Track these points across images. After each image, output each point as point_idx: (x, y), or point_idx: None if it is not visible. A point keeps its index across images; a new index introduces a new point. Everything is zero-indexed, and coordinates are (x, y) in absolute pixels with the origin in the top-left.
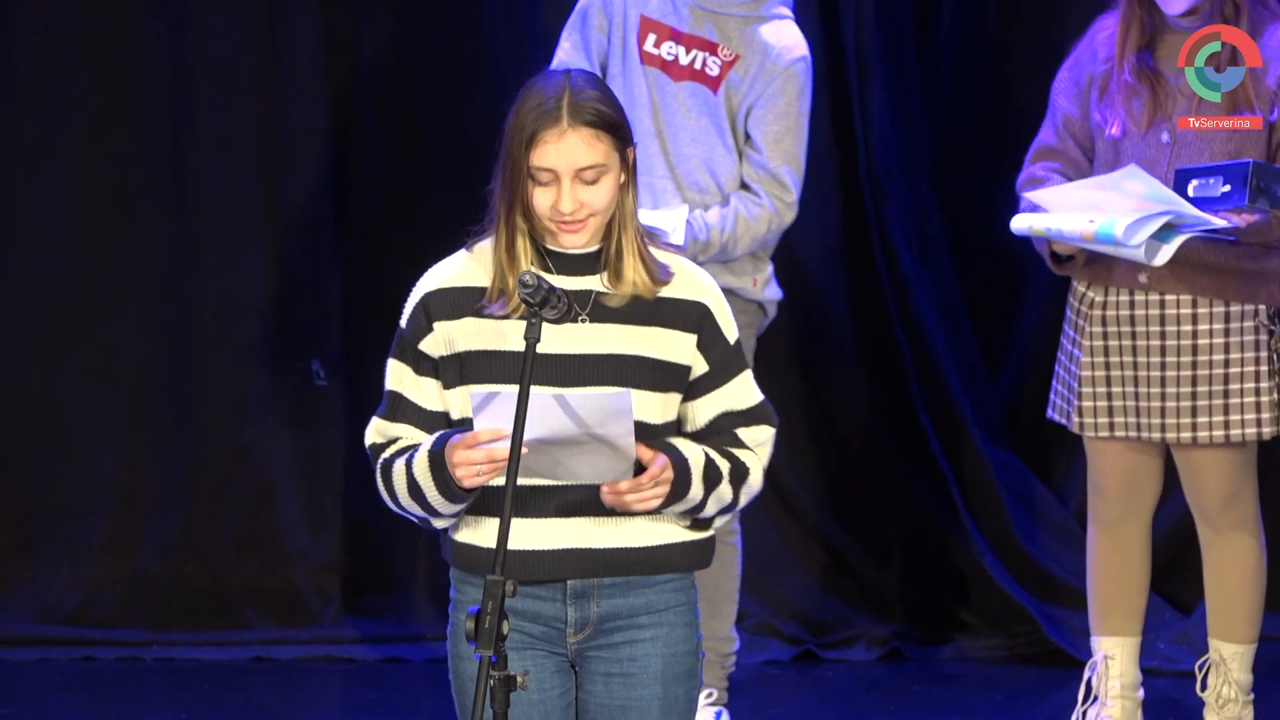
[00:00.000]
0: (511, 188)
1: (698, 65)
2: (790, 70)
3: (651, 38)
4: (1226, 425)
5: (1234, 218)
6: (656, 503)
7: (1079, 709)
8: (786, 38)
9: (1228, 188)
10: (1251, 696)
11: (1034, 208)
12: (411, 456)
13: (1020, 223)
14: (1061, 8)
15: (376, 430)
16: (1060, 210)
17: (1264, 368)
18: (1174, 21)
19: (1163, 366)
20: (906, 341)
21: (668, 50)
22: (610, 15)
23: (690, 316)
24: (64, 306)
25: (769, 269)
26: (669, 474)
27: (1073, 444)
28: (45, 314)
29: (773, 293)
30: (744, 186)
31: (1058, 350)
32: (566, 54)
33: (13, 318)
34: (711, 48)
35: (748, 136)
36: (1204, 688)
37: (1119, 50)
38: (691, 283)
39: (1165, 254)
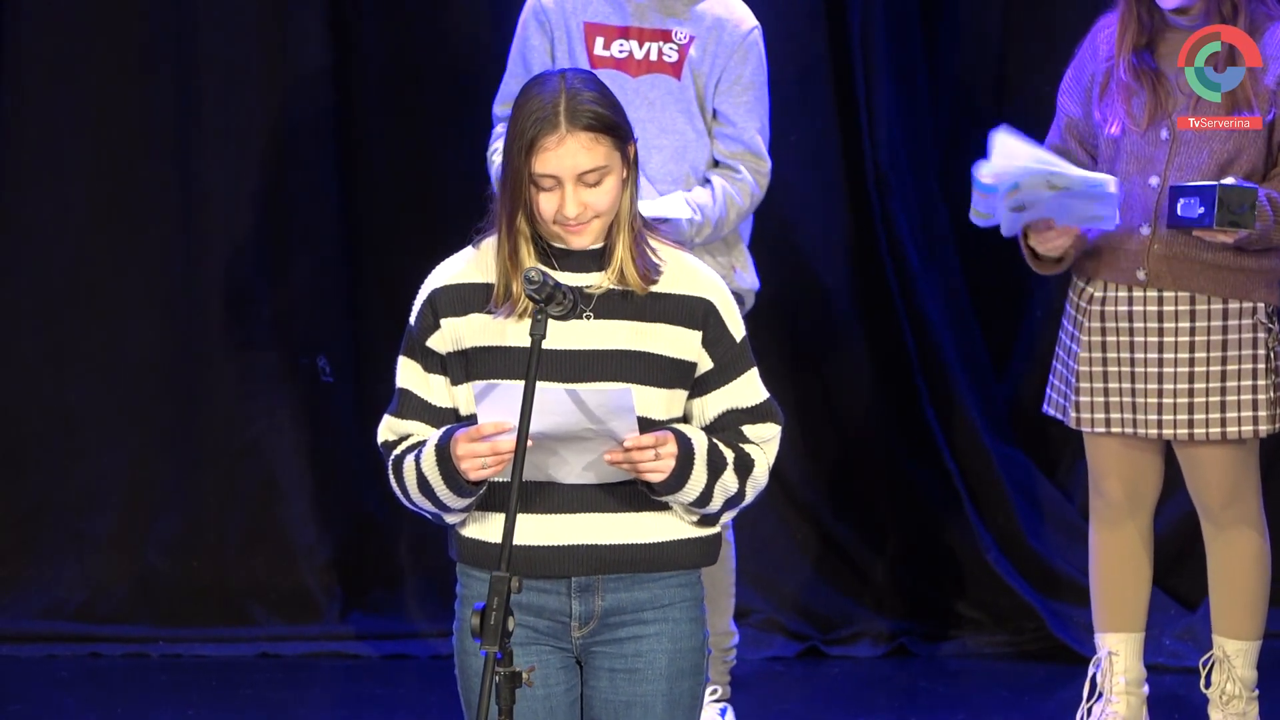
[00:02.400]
0: (514, 194)
1: (654, 56)
2: (748, 41)
3: (599, 41)
4: (1223, 423)
5: (1221, 235)
6: (660, 476)
7: (1084, 705)
8: (736, 10)
9: (1202, 210)
10: (1256, 693)
11: (991, 208)
12: (420, 452)
13: (983, 175)
14: (1067, 5)
15: (387, 427)
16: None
17: (1261, 365)
18: (1173, 19)
19: (1160, 363)
20: (912, 338)
21: (619, 49)
22: (550, 31)
23: (695, 313)
24: (70, 303)
25: (746, 256)
26: (673, 447)
27: (1078, 440)
28: (51, 310)
29: (750, 282)
30: (715, 164)
31: (1056, 345)
32: (509, 89)
33: (19, 314)
34: (664, 35)
35: (715, 113)
36: (1208, 684)
37: (1118, 48)
38: (696, 279)
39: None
